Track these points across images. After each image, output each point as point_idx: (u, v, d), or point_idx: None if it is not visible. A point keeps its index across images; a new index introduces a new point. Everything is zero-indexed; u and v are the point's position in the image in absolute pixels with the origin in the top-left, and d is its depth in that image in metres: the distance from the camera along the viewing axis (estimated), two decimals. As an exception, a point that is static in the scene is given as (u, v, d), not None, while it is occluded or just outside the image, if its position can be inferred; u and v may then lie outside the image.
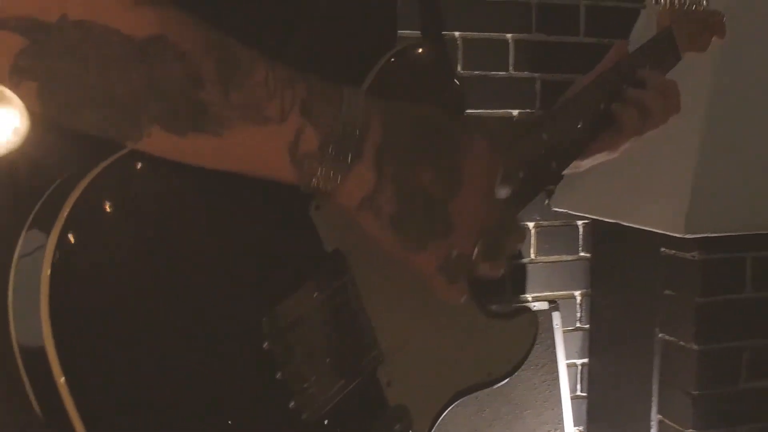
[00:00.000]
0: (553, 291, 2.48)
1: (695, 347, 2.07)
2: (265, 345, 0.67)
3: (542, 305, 2.35)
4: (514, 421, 2.33)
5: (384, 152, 0.67)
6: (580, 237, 2.52)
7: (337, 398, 0.73)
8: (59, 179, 0.61)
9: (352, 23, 0.83)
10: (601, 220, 2.28)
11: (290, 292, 0.70)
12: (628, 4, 2.47)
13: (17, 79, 0.55)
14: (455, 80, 0.89)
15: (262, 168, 0.65)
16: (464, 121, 0.86)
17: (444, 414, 0.86)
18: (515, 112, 2.42)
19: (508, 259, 0.79)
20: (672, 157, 1.97)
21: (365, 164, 0.66)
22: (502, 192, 0.79)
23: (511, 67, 2.41)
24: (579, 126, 0.99)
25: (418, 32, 0.91)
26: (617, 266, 2.44)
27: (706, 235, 1.96)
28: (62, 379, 0.55)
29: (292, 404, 0.69)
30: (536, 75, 2.43)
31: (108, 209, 0.59)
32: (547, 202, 2.42)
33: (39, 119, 0.56)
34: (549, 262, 2.48)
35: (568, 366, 2.40)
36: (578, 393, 2.52)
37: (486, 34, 2.38)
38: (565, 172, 1.02)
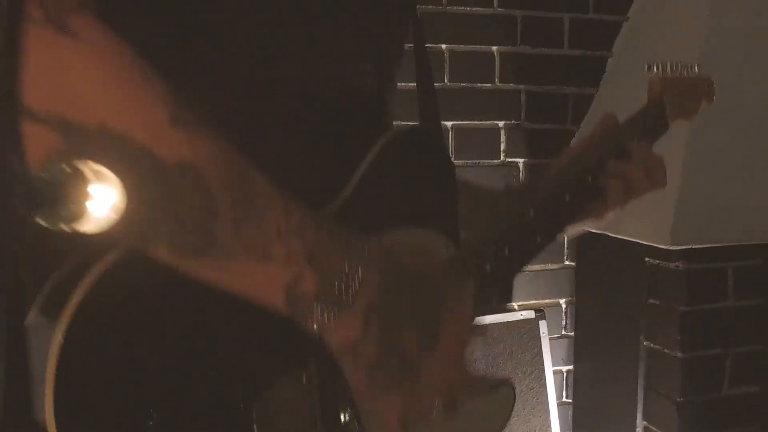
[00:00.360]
0: (538, 299, 2.52)
1: (679, 355, 2.12)
2: (254, 429, 0.69)
3: (529, 314, 2.38)
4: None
5: (375, 309, 0.69)
6: (565, 246, 2.56)
7: None
8: (62, 267, 0.62)
9: (349, 110, 0.84)
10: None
11: (282, 376, 0.71)
12: (610, 17, 2.51)
13: None
14: (450, 161, 0.91)
15: (255, 297, 0.66)
16: (457, 268, 0.86)
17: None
18: (501, 123, 2.45)
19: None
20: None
21: (355, 316, 0.68)
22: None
23: (496, 79, 2.44)
24: (566, 199, 0.99)
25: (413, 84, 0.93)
26: (602, 275, 2.48)
27: (690, 246, 2.01)
28: None
29: None
30: (521, 87, 2.47)
31: (111, 309, 0.60)
32: (533, 212, 2.46)
33: None
34: (535, 270, 2.52)
35: (554, 373, 2.44)
36: (564, 399, 2.57)
37: (472, 47, 2.41)
38: None
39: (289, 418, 0.72)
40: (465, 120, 2.40)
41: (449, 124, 2.39)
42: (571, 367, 2.57)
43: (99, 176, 0.33)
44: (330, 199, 0.77)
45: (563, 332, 2.56)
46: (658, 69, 1.17)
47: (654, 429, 2.21)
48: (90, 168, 0.33)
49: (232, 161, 0.62)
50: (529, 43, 2.46)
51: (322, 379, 0.74)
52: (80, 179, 0.33)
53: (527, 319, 2.37)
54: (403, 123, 0.87)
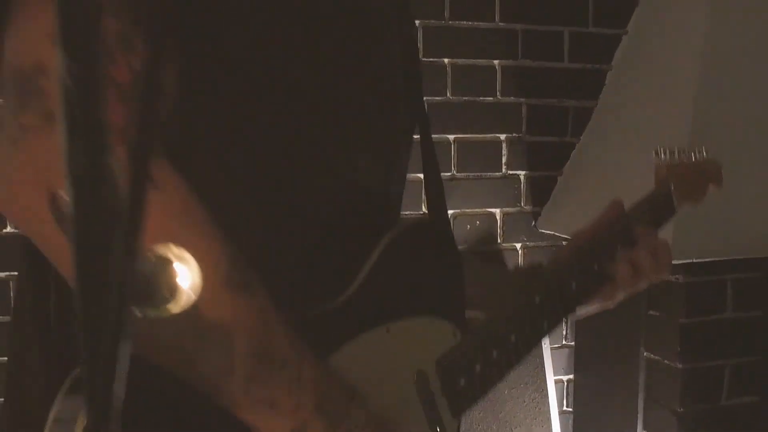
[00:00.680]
0: (539, 309, 2.55)
1: (679, 366, 2.15)
2: None
3: (530, 324, 2.41)
4: (504, 438, 2.40)
5: None
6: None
7: None
8: None
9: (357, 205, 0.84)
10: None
11: None
12: (610, 31, 2.55)
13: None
14: (456, 251, 0.92)
15: None
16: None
17: None
18: (502, 136, 2.48)
19: None
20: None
21: None
22: None
23: (498, 92, 2.47)
24: (573, 287, 1.00)
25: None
26: (602, 285, 2.50)
27: (690, 260, 2.04)
28: None
29: None
30: (522, 100, 2.49)
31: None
32: (534, 223, 2.49)
33: None
34: (536, 281, 2.54)
35: (555, 382, 2.47)
36: (565, 408, 2.60)
37: (474, 61, 2.44)
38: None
39: None
40: (467, 133, 2.43)
41: (451, 137, 2.42)
42: (571, 376, 2.60)
43: (180, 257, 0.36)
44: (337, 294, 0.77)
45: (564, 342, 2.59)
46: (665, 155, 1.16)
47: (654, 438, 2.25)
48: (172, 251, 0.36)
49: (267, 321, 0.63)
50: (530, 57, 2.49)
51: None
52: (167, 262, 0.36)
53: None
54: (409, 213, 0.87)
